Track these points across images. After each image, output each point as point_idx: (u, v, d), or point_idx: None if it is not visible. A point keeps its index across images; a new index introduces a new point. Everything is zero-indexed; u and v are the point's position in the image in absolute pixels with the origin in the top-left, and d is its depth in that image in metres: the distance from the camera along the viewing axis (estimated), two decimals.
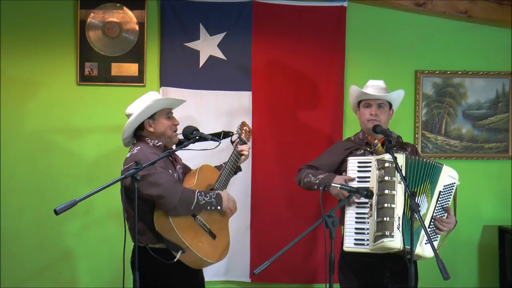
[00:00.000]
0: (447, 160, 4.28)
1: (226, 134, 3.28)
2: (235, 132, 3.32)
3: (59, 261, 4.18)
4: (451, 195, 3.06)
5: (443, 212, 3.02)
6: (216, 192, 2.98)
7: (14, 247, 4.14)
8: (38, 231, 4.15)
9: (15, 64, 4.13)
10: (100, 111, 4.17)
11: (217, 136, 3.18)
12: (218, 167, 3.27)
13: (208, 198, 2.89)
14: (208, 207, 2.90)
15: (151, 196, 2.79)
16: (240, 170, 3.38)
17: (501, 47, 4.33)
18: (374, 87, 3.25)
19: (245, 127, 3.38)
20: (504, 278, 4.19)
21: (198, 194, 2.86)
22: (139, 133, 3.03)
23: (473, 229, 4.34)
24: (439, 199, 2.99)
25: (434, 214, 2.99)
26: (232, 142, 3.31)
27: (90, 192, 2.43)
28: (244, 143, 3.30)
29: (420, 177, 2.97)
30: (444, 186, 3.01)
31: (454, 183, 3.06)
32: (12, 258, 4.14)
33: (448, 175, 3.03)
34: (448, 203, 3.04)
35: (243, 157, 3.25)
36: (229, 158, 3.20)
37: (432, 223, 2.98)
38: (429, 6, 4.13)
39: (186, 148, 2.95)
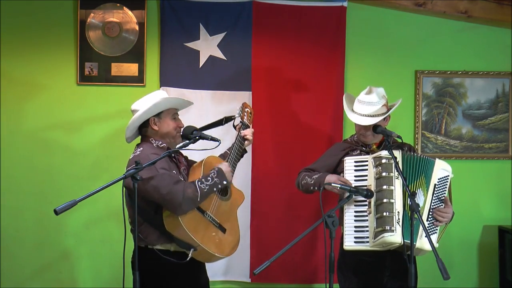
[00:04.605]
0: (447, 160, 4.26)
1: (228, 119, 3.22)
2: (236, 115, 3.23)
3: (59, 261, 4.18)
4: (446, 187, 3.08)
5: (440, 203, 3.04)
6: (216, 169, 2.90)
7: (14, 247, 4.14)
8: (38, 231, 4.15)
9: (15, 64, 4.13)
10: (100, 111, 4.17)
11: (219, 123, 3.18)
12: (223, 155, 3.22)
13: (210, 181, 2.84)
14: (215, 189, 2.86)
15: (155, 199, 2.78)
16: (246, 152, 3.30)
17: (501, 47, 4.32)
18: (365, 105, 3.15)
19: (247, 109, 3.26)
20: (504, 278, 4.19)
21: (199, 183, 2.81)
22: (143, 132, 3.01)
23: (473, 229, 4.34)
24: (435, 192, 3.01)
25: (432, 206, 3.00)
26: (234, 127, 3.23)
27: (90, 192, 2.43)
28: (247, 126, 3.21)
29: (415, 172, 2.99)
30: (438, 179, 3.03)
31: (448, 175, 3.09)
32: (12, 258, 4.14)
33: (441, 169, 3.06)
34: (444, 195, 3.06)
35: (246, 142, 3.18)
36: (233, 144, 3.14)
37: (430, 215, 2.99)
38: (429, 6, 4.13)
39: (186, 148, 2.93)
